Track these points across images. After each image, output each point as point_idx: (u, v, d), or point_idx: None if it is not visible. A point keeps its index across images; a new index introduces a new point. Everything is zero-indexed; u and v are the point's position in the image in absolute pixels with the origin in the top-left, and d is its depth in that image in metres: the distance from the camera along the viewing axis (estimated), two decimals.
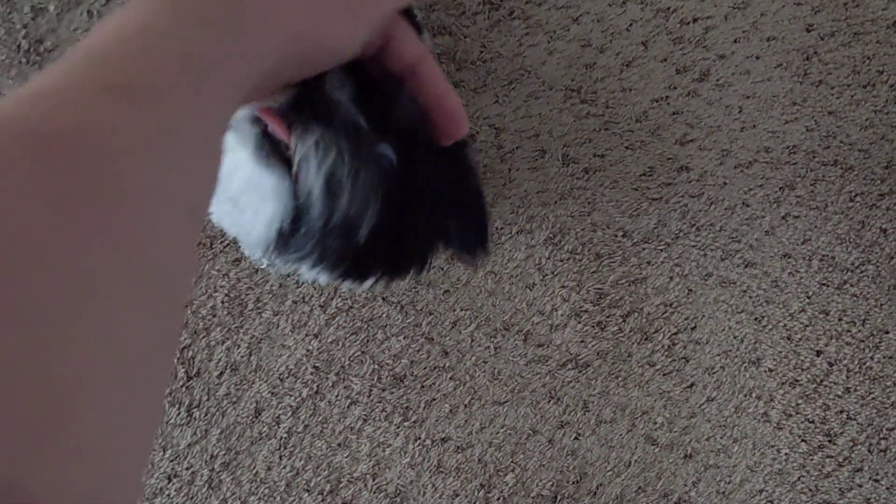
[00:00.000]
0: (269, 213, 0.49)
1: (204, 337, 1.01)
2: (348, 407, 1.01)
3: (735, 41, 1.07)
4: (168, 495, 1.00)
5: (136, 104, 0.29)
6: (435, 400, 1.02)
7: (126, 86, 0.29)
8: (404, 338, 1.03)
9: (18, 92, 0.27)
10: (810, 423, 1.03)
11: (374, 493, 1.00)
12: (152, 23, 0.32)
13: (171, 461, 1.00)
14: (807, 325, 1.05)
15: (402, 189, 0.49)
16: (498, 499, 1.00)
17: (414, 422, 1.01)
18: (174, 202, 0.29)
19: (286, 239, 0.50)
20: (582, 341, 1.03)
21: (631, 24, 1.06)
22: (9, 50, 1.02)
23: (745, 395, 1.04)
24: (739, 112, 1.07)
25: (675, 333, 1.04)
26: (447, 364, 1.03)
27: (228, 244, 1.01)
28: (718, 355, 1.04)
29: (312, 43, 0.39)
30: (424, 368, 1.03)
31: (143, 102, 0.29)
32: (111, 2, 1.04)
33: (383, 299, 1.03)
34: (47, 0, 1.03)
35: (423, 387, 1.02)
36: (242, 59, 0.34)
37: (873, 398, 1.04)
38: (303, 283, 1.04)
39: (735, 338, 1.04)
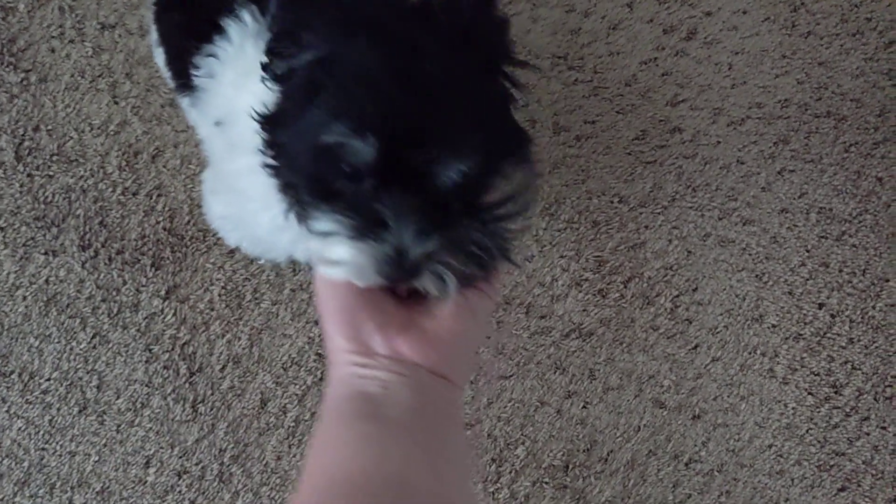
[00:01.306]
0: None
1: (204, 331, 1.06)
2: None
3: None
4: (179, 492, 1.06)
5: None
6: None
7: None
8: None
9: None
10: (816, 375, 1.10)
11: None
12: None
13: (180, 458, 1.06)
14: (808, 279, 1.11)
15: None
16: (510, 472, 1.07)
17: None
18: None
19: None
20: (584, 310, 1.10)
21: None
22: None
23: (750, 353, 1.11)
24: (729, 69, 1.13)
25: (677, 296, 1.10)
26: None
27: (220, 237, 1.06)
28: (721, 315, 1.11)
29: None
30: None
31: None
32: None
33: None
34: None
35: None
36: None
37: (877, 347, 1.11)
38: (299, 271, 1.09)
39: (737, 296, 1.12)
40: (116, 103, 1.08)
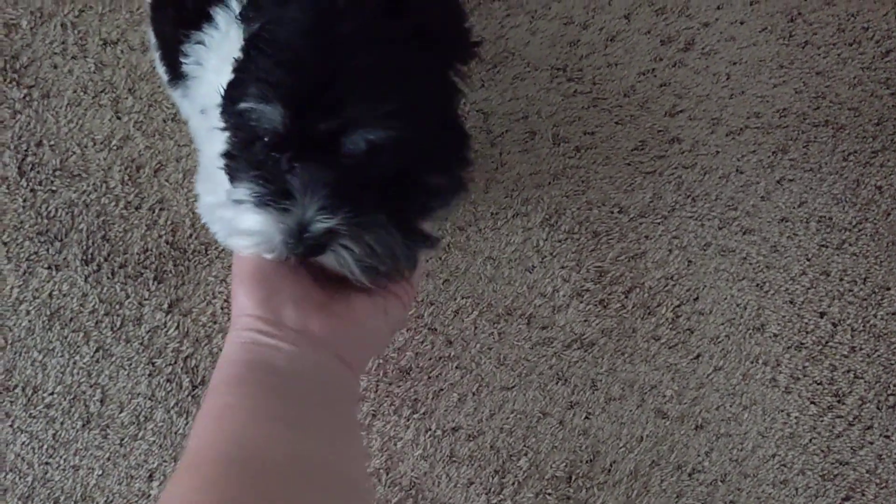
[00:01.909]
0: None
1: (206, 344, 1.09)
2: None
3: (718, 7, 1.17)
4: None
5: None
6: (442, 390, 1.10)
7: None
8: (407, 330, 1.12)
9: None
10: (818, 384, 1.13)
11: (389, 487, 1.09)
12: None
13: None
14: (808, 288, 1.15)
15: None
16: (513, 483, 1.09)
17: (423, 413, 1.10)
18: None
19: None
20: (585, 320, 1.13)
21: None
22: None
23: (752, 362, 1.15)
24: (727, 79, 1.16)
25: (678, 306, 1.14)
26: (452, 353, 1.13)
27: (223, 250, 1.09)
28: (722, 324, 1.15)
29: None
30: (430, 359, 1.13)
31: None
32: (83, 13, 1.11)
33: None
34: (19, 15, 1.11)
35: (429, 378, 1.11)
36: None
37: (879, 356, 1.14)
38: None
39: (738, 305, 1.15)
40: (119, 118, 1.12)
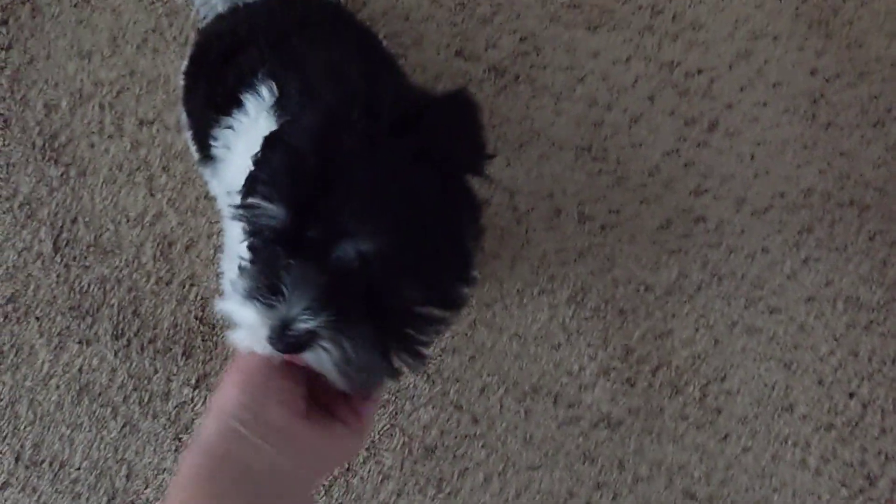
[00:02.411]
0: None
1: None
2: (381, 482, 1.12)
3: (741, 89, 1.22)
4: None
5: None
6: (468, 469, 1.12)
7: None
8: (433, 407, 1.15)
9: None
10: (849, 466, 1.14)
11: None
12: None
13: None
14: (837, 368, 1.20)
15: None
16: None
17: (448, 493, 1.12)
18: None
19: None
20: (612, 399, 1.18)
21: (636, 80, 1.21)
22: (24, 147, 1.16)
23: (781, 443, 1.18)
24: (751, 159, 1.21)
25: (706, 385, 1.17)
26: (478, 432, 1.19)
27: None
28: (751, 404, 1.20)
29: None
30: (455, 438, 1.18)
31: None
32: (121, 94, 1.17)
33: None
34: (59, 96, 1.17)
35: (455, 456, 1.13)
36: None
37: None
38: None
39: (766, 385, 1.20)
40: (153, 196, 1.17)
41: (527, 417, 1.19)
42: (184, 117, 1.07)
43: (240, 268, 0.65)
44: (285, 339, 0.58)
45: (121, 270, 1.19)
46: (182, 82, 1.03)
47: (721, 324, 1.22)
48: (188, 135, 1.05)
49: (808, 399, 1.21)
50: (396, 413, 1.19)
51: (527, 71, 1.25)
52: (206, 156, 0.92)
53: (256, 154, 0.66)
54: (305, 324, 0.57)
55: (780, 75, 1.26)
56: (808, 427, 1.20)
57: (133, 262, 1.20)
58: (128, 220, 1.21)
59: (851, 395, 1.21)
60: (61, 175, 1.22)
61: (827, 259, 1.24)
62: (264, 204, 0.59)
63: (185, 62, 1.03)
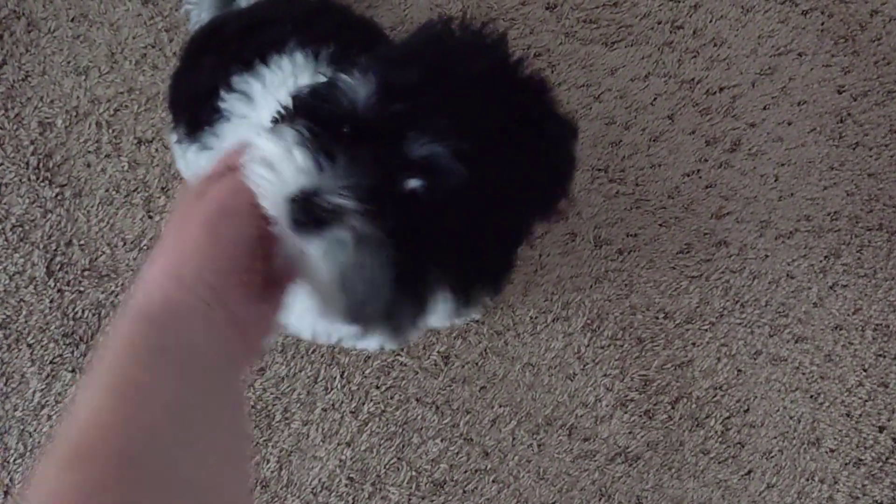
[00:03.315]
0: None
1: None
2: None
3: (765, 108, 1.20)
4: None
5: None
6: None
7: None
8: (442, 440, 1.13)
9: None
10: None
11: None
12: None
13: None
14: (866, 400, 1.19)
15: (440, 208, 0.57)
16: None
17: None
18: None
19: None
20: (630, 432, 1.16)
21: (655, 99, 1.19)
22: (17, 167, 1.15)
23: (808, 479, 1.18)
24: (775, 181, 1.19)
25: (728, 417, 1.16)
26: (489, 466, 1.16)
27: None
28: (775, 438, 1.18)
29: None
30: (465, 472, 1.16)
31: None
32: (119, 112, 1.15)
33: (417, 400, 1.12)
34: (55, 113, 1.16)
35: (464, 492, 1.12)
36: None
37: None
38: (331, 390, 1.12)
39: (791, 418, 1.19)
40: (151, 217, 1.16)
41: (540, 451, 1.16)
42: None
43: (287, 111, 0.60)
44: (309, 205, 0.52)
45: (117, 296, 1.17)
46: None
47: (744, 353, 1.19)
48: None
49: (835, 433, 1.18)
50: (403, 446, 1.16)
51: None
52: (200, 123, 0.88)
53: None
54: (344, 199, 0.51)
55: (806, 93, 1.24)
56: (835, 462, 1.18)
57: (130, 287, 1.19)
58: (124, 243, 1.19)
59: (882, 429, 1.18)
60: (56, 196, 1.20)
61: (855, 285, 1.21)
62: (350, 79, 0.55)
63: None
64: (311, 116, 0.58)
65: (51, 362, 1.16)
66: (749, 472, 1.17)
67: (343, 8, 1.03)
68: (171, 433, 0.45)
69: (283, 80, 0.81)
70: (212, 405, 0.50)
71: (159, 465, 0.43)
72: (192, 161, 0.95)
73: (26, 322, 1.16)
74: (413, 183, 0.54)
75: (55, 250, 1.18)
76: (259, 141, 0.56)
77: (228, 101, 0.84)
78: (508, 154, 0.58)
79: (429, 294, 0.59)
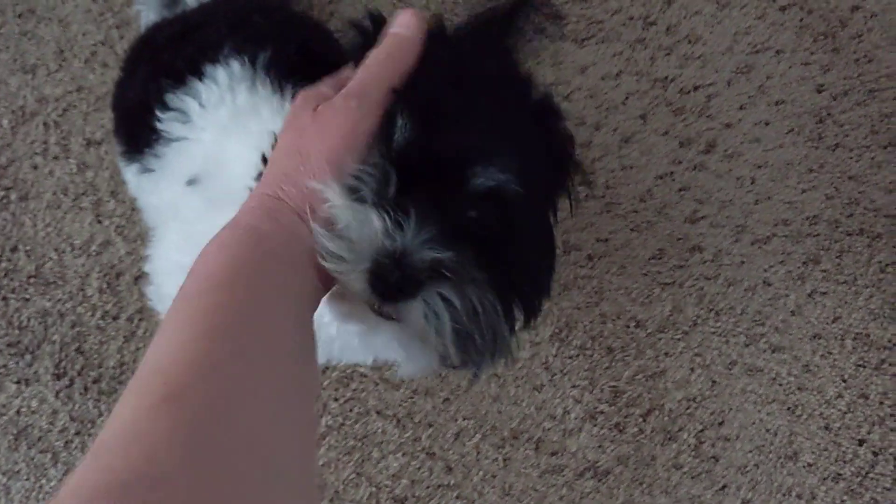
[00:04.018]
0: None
1: None
2: None
3: (741, 108, 1.19)
4: None
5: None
6: None
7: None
8: (403, 455, 1.12)
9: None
10: None
11: None
12: None
13: None
14: (845, 412, 1.17)
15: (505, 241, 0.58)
16: None
17: None
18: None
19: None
20: (600, 446, 1.15)
21: (627, 98, 1.18)
22: None
23: (784, 495, 1.16)
24: (752, 183, 1.18)
25: (702, 430, 1.16)
26: (452, 481, 1.14)
27: None
28: (751, 451, 1.17)
29: None
30: (427, 488, 1.14)
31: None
32: (67, 112, 1.13)
33: (377, 413, 1.10)
34: (0, 114, 1.13)
35: None
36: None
37: None
38: None
39: (767, 431, 1.17)
40: (100, 222, 1.13)
41: (506, 466, 1.13)
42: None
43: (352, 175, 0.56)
44: (401, 267, 0.50)
45: (64, 303, 1.14)
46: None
47: (719, 363, 1.17)
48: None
49: (813, 446, 1.16)
50: (363, 461, 1.13)
51: None
52: (141, 144, 0.84)
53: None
54: (432, 253, 0.50)
55: (784, 92, 1.22)
56: (813, 477, 1.15)
57: (77, 294, 1.15)
58: (72, 249, 1.16)
59: (861, 443, 1.16)
60: (1, 199, 1.16)
61: (834, 293, 1.19)
62: (406, 114, 0.53)
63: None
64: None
65: None
66: (723, 487, 1.14)
67: (280, 5, 1.01)
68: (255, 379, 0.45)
69: (220, 95, 0.77)
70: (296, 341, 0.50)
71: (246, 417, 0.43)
72: (133, 182, 0.92)
73: None
74: (472, 213, 0.53)
75: (0, 256, 1.16)
76: (332, 194, 0.53)
77: (164, 122, 0.80)
78: (543, 166, 0.60)
79: (516, 319, 0.59)
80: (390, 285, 0.50)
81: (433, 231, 0.50)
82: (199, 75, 0.79)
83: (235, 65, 0.78)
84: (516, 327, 0.59)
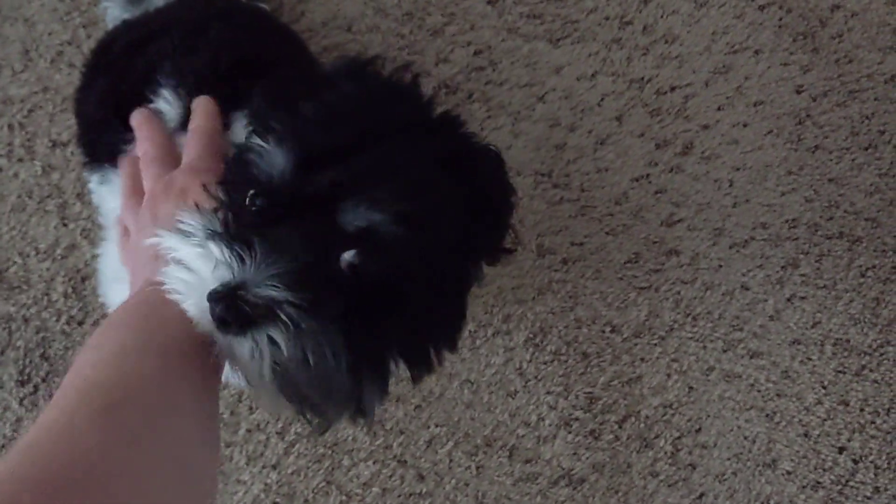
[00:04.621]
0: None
1: None
2: None
3: (719, 109, 1.19)
4: None
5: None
6: None
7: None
8: (374, 462, 1.13)
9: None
10: None
11: None
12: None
13: None
14: (825, 419, 1.16)
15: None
16: None
17: None
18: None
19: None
20: (574, 454, 1.14)
21: (602, 99, 1.17)
22: None
23: (763, 503, 1.13)
24: (730, 186, 1.18)
25: (679, 438, 1.15)
26: (424, 490, 1.13)
27: None
28: (729, 459, 1.16)
29: None
30: (399, 496, 1.13)
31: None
32: (33, 112, 1.13)
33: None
34: None
35: None
36: None
37: None
38: (256, 409, 1.09)
39: (746, 438, 1.16)
40: (65, 225, 1.13)
41: (479, 474, 1.12)
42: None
43: (197, 208, 0.57)
44: (235, 301, 0.49)
45: (28, 308, 1.13)
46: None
47: (696, 369, 1.16)
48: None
49: (792, 454, 1.15)
50: (333, 469, 1.12)
51: (482, 88, 1.20)
52: (97, 157, 0.86)
53: (253, 110, 0.61)
54: (272, 291, 0.49)
55: (763, 93, 1.22)
56: (792, 486, 1.14)
57: (42, 299, 1.14)
58: (37, 253, 1.15)
59: (841, 450, 1.15)
60: None
61: (814, 297, 1.18)
62: (266, 147, 0.53)
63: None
64: (235, 184, 0.56)
65: None
66: (701, 495, 1.13)
67: (244, 8, 1.00)
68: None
69: (174, 115, 0.78)
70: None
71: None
72: (96, 190, 0.92)
73: None
74: (348, 256, 0.52)
75: None
76: (168, 241, 0.54)
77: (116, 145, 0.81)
78: (442, 203, 0.56)
79: (388, 369, 0.57)
80: (220, 317, 0.50)
81: (282, 268, 0.49)
82: (154, 92, 0.79)
83: (167, 92, 0.78)
84: (387, 380, 0.57)
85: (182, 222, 0.55)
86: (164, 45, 0.82)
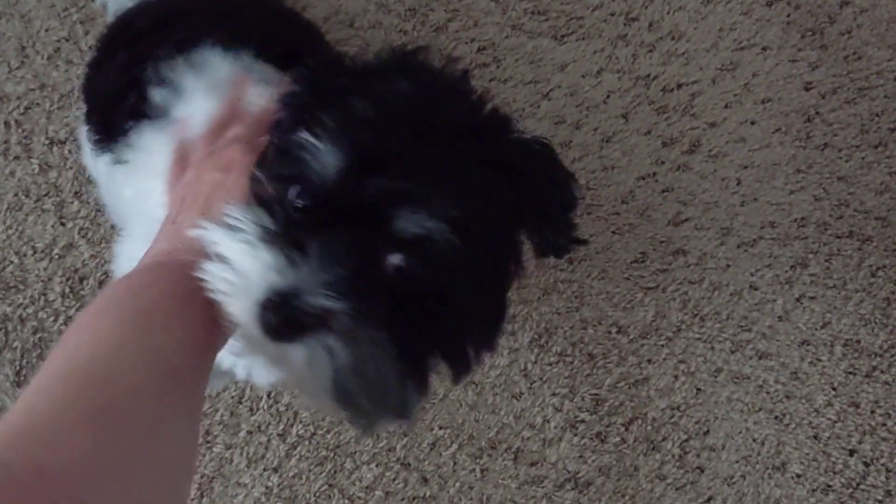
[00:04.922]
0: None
1: None
2: None
3: (726, 106, 1.19)
4: None
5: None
6: None
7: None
8: (377, 465, 1.12)
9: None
10: None
11: None
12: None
13: None
14: (835, 421, 1.16)
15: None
16: None
17: None
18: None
19: None
20: (580, 456, 1.14)
21: (608, 96, 1.18)
22: None
23: None
24: (738, 184, 1.19)
25: (686, 440, 1.15)
26: (428, 493, 1.12)
27: None
28: (737, 462, 1.15)
29: None
30: (402, 500, 1.12)
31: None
32: (30, 110, 1.12)
33: (350, 422, 1.07)
34: None
35: None
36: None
37: None
38: (257, 411, 1.09)
39: (754, 441, 1.15)
40: (63, 224, 1.12)
41: (483, 477, 1.11)
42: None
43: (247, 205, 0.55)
44: (286, 310, 0.48)
45: (25, 308, 1.12)
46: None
47: (703, 370, 1.15)
48: (84, 130, 0.97)
49: (802, 456, 1.14)
50: (335, 472, 1.11)
51: (486, 84, 1.19)
52: (118, 133, 0.82)
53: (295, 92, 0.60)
54: (325, 300, 0.48)
55: (770, 90, 1.21)
56: (802, 489, 1.13)
57: (39, 298, 1.12)
58: (34, 252, 1.13)
59: (852, 453, 1.14)
60: None
61: (823, 297, 1.18)
62: (318, 145, 0.51)
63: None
64: (282, 179, 0.54)
65: None
66: (709, 499, 1.13)
67: (269, 2, 1.00)
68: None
69: (209, 84, 0.76)
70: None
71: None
72: (104, 172, 0.90)
73: None
74: (395, 259, 0.51)
75: None
76: (214, 235, 0.52)
77: (158, 98, 0.78)
78: (495, 210, 0.56)
79: (429, 369, 0.56)
80: (273, 324, 0.49)
81: (336, 275, 0.49)
82: (188, 57, 0.78)
83: (217, 58, 0.77)
84: (427, 387, 0.56)
85: (229, 216, 0.53)
86: (199, 21, 0.82)
